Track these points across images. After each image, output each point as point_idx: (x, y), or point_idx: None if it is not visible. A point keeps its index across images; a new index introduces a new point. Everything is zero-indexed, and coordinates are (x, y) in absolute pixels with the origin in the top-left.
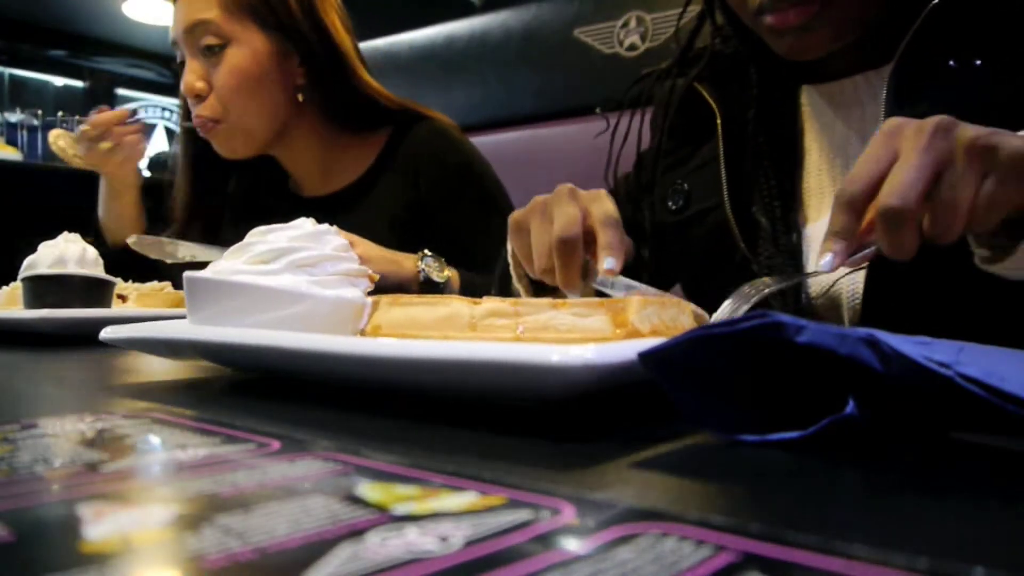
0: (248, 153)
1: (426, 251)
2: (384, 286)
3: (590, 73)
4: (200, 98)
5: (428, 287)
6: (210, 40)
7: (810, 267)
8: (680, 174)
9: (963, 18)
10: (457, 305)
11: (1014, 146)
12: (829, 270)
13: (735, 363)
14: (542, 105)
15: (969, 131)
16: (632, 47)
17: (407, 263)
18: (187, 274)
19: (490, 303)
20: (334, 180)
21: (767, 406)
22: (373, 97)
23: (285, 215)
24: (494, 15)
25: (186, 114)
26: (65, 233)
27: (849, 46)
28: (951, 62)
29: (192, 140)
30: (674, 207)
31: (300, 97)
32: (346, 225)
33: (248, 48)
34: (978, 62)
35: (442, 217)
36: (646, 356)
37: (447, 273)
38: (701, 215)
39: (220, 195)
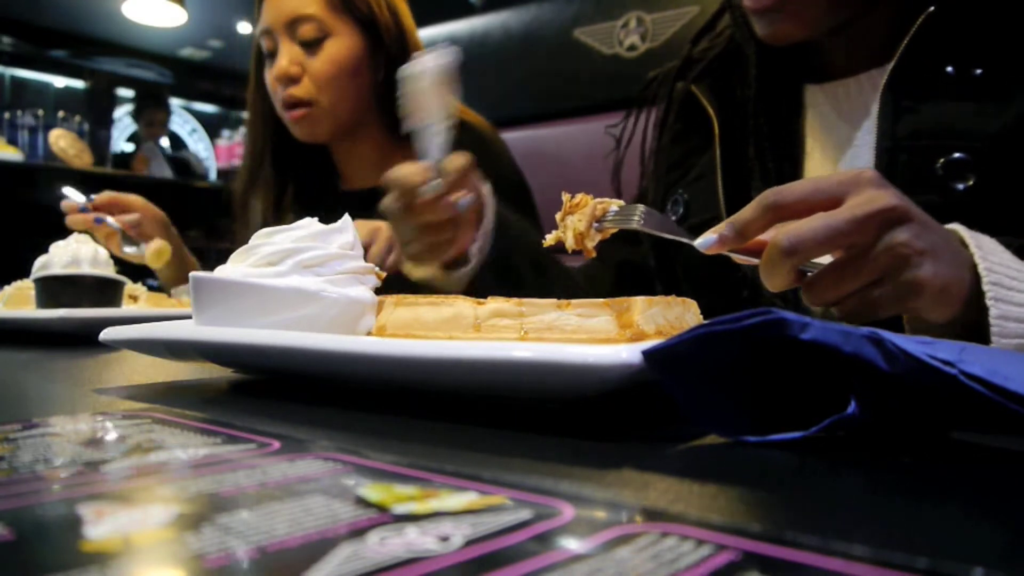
0: (326, 139)
1: None
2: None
3: (590, 73)
4: (293, 82)
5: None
6: (311, 33)
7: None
8: (681, 184)
9: (962, 26)
10: (461, 305)
11: (920, 275)
12: (703, 249)
13: (738, 362)
14: (542, 105)
15: (903, 235)
16: (632, 47)
17: None
18: (193, 274)
19: (494, 303)
20: (378, 176)
21: (769, 406)
22: None
23: (329, 208)
24: (494, 15)
25: (260, 101)
26: (75, 234)
27: (851, 45)
28: (949, 68)
29: (268, 124)
30: (674, 216)
31: (382, 91)
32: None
33: (347, 41)
34: (978, 71)
35: None
36: (651, 354)
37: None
38: (699, 227)
39: (286, 176)
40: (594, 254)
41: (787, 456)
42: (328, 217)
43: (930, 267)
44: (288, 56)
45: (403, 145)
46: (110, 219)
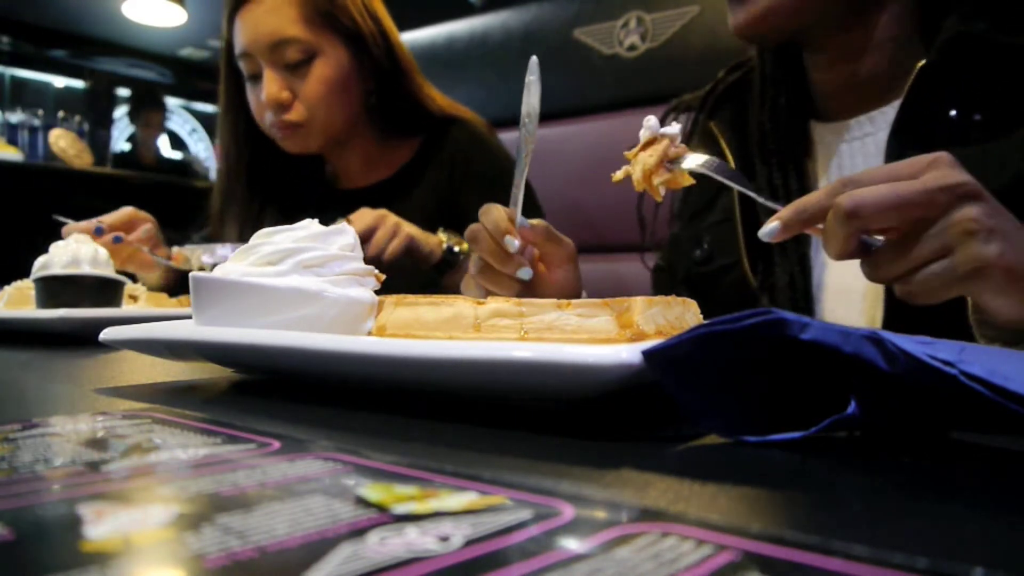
0: (318, 150)
1: (441, 228)
2: (417, 255)
3: (590, 73)
4: (283, 107)
5: (449, 256)
6: (296, 55)
7: (825, 303)
8: (702, 226)
9: (958, 76)
10: (462, 305)
11: (986, 252)
12: (767, 239)
13: (738, 362)
14: (542, 105)
15: (973, 210)
16: (632, 47)
17: (432, 236)
18: (193, 275)
19: (495, 303)
20: (372, 174)
21: (769, 406)
22: (423, 103)
23: (324, 206)
24: (494, 15)
25: (233, 119)
26: (75, 234)
27: (850, 88)
28: (952, 112)
29: (244, 143)
30: (698, 258)
31: (373, 99)
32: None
33: (333, 58)
34: (977, 116)
35: (473, 214)
36: (651, 355)
37: (465, 246)
38: (723, 269)
39: (263, 193)
40: (660, 197)
41: (787, 456)
42: (328, 216)
43: (997, 246)
44: (275, 82)
45: (392, 143)
46: (128, 236)
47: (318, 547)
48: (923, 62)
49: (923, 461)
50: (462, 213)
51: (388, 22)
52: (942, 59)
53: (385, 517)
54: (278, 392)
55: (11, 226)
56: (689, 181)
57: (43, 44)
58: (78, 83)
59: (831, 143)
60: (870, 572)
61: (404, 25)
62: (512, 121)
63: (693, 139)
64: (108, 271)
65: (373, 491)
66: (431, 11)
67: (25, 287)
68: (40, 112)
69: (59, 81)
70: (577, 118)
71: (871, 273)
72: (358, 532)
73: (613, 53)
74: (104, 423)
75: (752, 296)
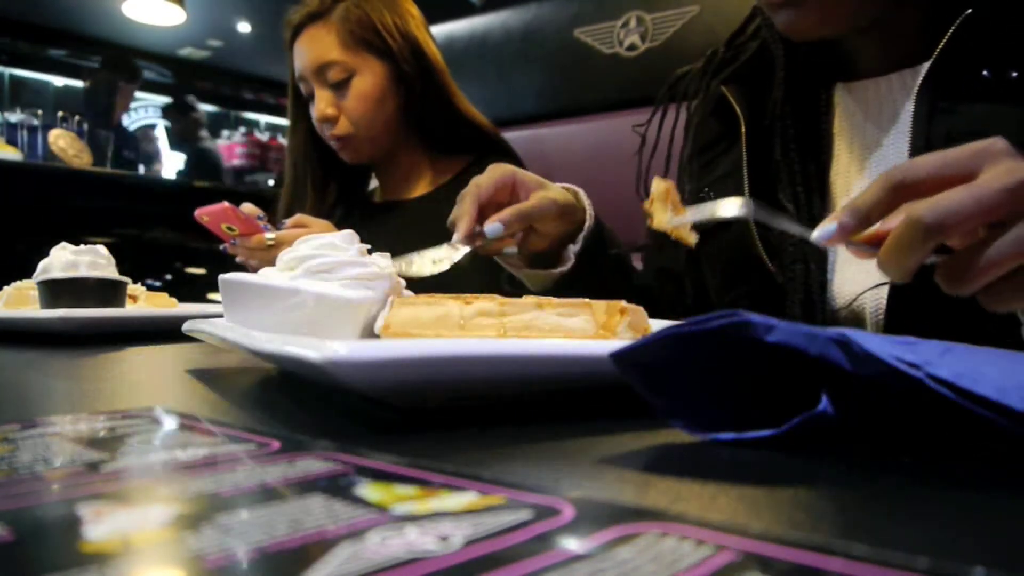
0: (368, 160)
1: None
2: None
3: (590, 73)
4: (332, 122)
5: None
6: (338, 75)
7: (838, 262)
8: (707, 182)
9: (999, 29)
10: (451, 305)
11: None
12: (822, 241)
13: (711, 362)
14: (542, 105)
15: None
16: (632, 47)
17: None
18: (222, 277)
19: (479, 303)
20: (411, 189)
21: (743, 404)
22: (458, 120)
23: (359, 215)
24: (494, 15)
25: (301, 130)
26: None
27: (882, 45)
28: (985, 72)
29: (312, 149)
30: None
31: (414, 112)
32: (398, 229)
33: (370, 75)
34: (1014, 74)
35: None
36: (618, 356)
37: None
38: (725, 225)
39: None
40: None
41: (787, 456)
42: (365, 221)
43: None
44: (323, 100)
45: (441, 162)
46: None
47: (318, 547)
48: (967, 12)
49: (923, 461)
50: None
51: (420, 39)
52: (983, 11)
53: (385, 517)
54: (278, 392)
55: (11, 226)
56: (692, 240)
57: (42, 43)
58: (78, 83)
59: (851, 107)
60: (870, 572)
61: None
62: (512, 121)
63: (704, 105)
64: (109, 271)
65: (373, 491)
66: (431, 11)
67: (25, 287)
68: (39, 112)
69: (59, 81)
70: (577, 118)
71: (953, 286)
72: (358, 532)
73: (613, 53)
74: (104, 423)
75: (754, 256)
